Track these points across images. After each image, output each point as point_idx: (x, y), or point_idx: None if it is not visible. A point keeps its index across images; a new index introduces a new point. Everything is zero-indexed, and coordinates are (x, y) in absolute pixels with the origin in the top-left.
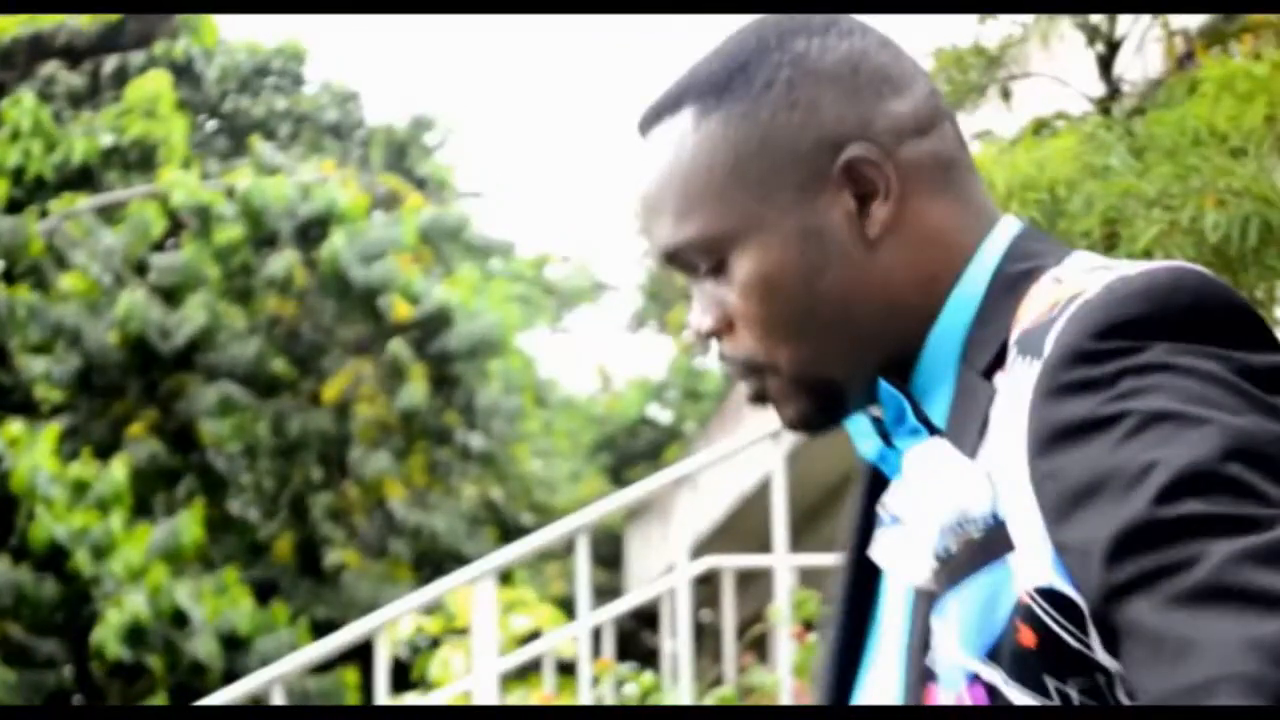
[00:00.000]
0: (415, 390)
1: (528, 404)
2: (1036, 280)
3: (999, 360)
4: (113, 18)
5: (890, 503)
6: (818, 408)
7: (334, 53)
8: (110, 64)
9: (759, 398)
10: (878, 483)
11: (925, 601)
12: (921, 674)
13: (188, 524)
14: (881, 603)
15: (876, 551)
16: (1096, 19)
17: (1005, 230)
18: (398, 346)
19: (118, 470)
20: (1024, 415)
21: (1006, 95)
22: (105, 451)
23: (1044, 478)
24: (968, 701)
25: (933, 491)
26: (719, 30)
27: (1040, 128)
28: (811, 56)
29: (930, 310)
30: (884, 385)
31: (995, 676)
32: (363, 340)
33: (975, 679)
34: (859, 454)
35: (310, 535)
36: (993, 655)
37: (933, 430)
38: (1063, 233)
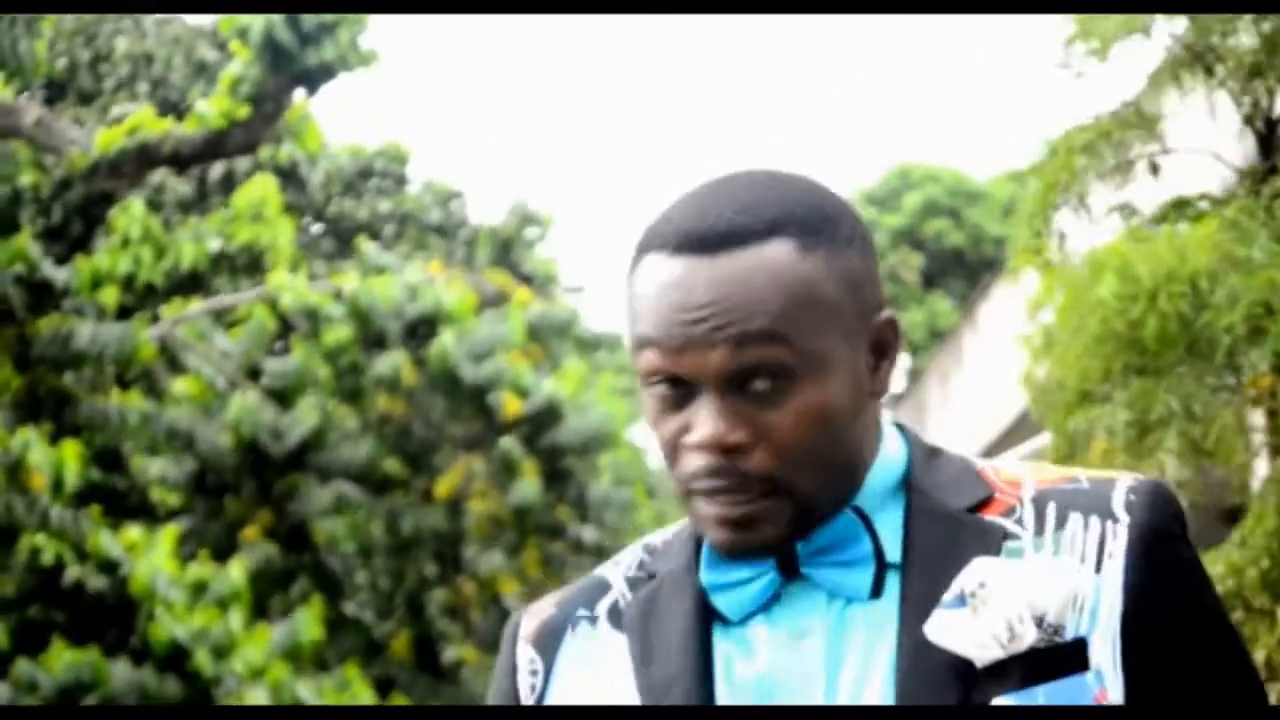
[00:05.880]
0: (527, 486)
1: (639, 496)
2: (955, 457)
3: (983, 504)
4: (218, 125)
5: (967, 583)
6: (795, 533)
7: (435, 152)
8: (216, 170)
9: (742, 521)
10: (703, 601)
11: (966, 680)
12: None
13: (307, 623)
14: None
15: (933, 627)
16: (1258, 94)
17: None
18: (508, 443)
19: (235, 570)
20: (1119, 562)
21: (1155, 170)
22: (222, 553)
23: (1147, 625)
24: None
25: (1039, 592)
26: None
27: (1183, 206)
28: (864, 229)
29: (864, 467)
30: (849, 520)
31: None
32: (473, 437)
33: None
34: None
35: (427, 632)
36: None
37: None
38: (1206, 325)
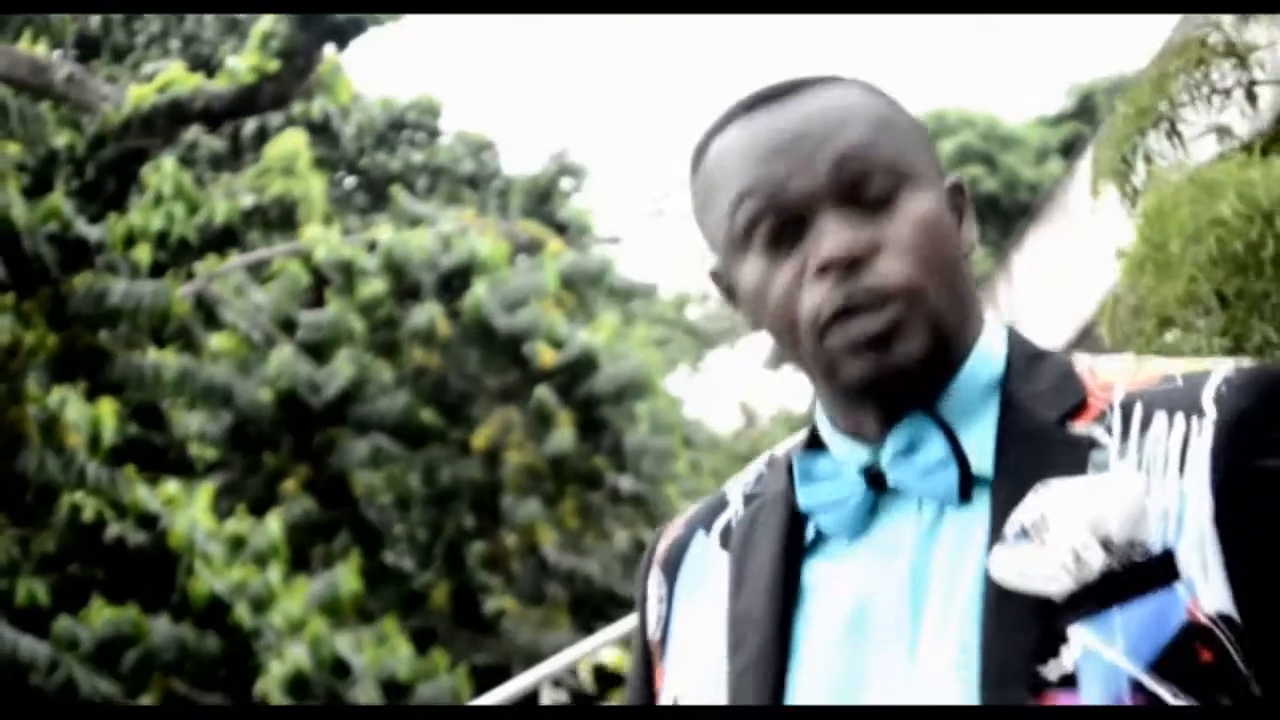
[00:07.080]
0: (563, 435)
1: (676, 445)
2: (1057, 360)
3: (1076, 412)
4: (250, 81)
5: (1024, 519)
6: (933, 352)
7: (467, 103)
8: (249, 126)
9: (881, 336)
10: (795, 525)
11: (1045, 614)
12: (1036, 682)
13: (345, 576)
14: (805, 628)
15: (997, 566)
16: None
17: (989, 312)
18: (544, 393)
19: (273, 524)
20: (1203, 460)
21: (1252, 99)
22: (260, 507)
23: (1243, 517)
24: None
25: (1102, 513)
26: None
27: None
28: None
29: (961, 352)
30: (926, 423)
31: (1161, 689)
32: (509, 387)
33: (1138, 687)
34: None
35: (466, 583)
36: (1157, 668)
37: (964, 465)
38: None
